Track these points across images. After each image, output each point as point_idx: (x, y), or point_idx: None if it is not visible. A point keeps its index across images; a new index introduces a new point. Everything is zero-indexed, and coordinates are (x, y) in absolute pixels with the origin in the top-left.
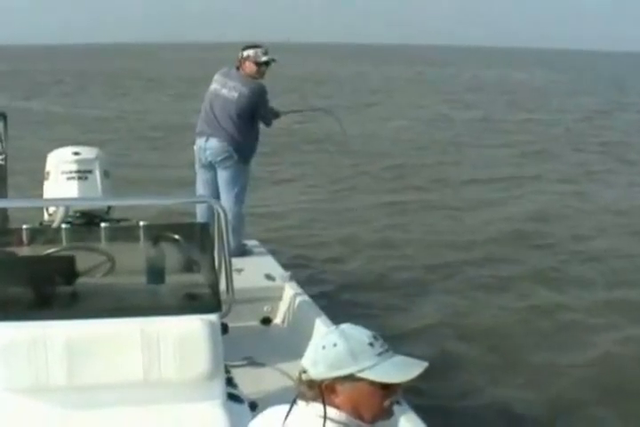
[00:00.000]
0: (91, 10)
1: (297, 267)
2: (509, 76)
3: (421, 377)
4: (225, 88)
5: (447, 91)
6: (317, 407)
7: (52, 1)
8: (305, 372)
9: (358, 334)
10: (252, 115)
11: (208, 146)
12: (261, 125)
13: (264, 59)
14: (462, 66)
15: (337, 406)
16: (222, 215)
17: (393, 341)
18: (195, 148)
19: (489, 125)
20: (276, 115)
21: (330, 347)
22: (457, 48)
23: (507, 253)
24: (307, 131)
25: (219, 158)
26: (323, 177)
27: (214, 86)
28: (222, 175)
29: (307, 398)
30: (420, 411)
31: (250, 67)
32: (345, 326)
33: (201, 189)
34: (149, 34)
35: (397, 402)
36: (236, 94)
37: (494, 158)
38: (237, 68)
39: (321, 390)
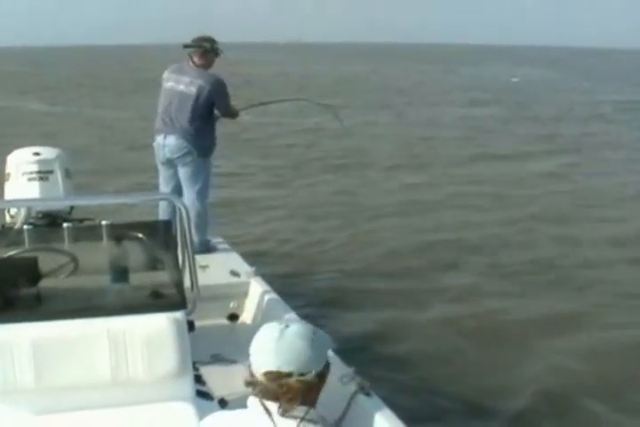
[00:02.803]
0: (118, 10)
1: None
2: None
3: (387, 368)
4: (182, 84)
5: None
6: (301, 411)
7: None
8: (303, 375)
9: (308, 326)
10: (211, 108)
11: (166, 143)
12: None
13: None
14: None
15: (312, 403)
16: (184, 212)
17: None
18: (154, 145)
19: None
20: (236, 113)
21: (309, 340)
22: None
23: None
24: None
25: (177, 155)
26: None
27: (170, 84)
28: (183, 172)
29: (288, 405)
30: (390, 401)
31: (213, 59)
32: (293, 325)
33: (163, 186)
34: (177, 35)
35: (368, 394)
36: (194, 89)
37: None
38: (193, 63)
39: (311, 388)
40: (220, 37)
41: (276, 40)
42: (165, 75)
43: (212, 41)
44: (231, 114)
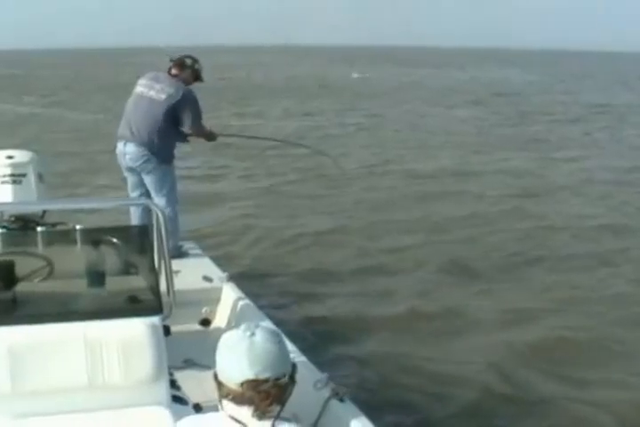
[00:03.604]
0: (111, 14)
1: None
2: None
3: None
4: (152, 90)
5: None
6: (274, 411)
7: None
8: (279, 379)
9: (272, 329)
10: (177, 118)
11: (127, 150)
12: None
13: (203, 77)
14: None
15: (284, 403)
16: (160, 216)
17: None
18: (116, 152)
19: None
20: (211, 134)
21: (277, 344)
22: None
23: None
24: None
25: (138, 163)
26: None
27: (140, 89)
28: (148, 179)
29: (266, 409)
30: (364, 407)
31: (190, 76)
32: (258, 331)
33: (131, 192)
34: (159, 38)
35: (342, 400)
36: (163, 96)
37: None
38: (170, 73)
39: (285, 390)
40: (208, 40)
41: (262, 43)
42: (140, 81)
43: (194, 60)
44: (204, 134)
